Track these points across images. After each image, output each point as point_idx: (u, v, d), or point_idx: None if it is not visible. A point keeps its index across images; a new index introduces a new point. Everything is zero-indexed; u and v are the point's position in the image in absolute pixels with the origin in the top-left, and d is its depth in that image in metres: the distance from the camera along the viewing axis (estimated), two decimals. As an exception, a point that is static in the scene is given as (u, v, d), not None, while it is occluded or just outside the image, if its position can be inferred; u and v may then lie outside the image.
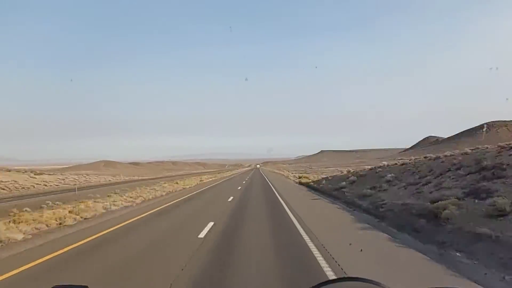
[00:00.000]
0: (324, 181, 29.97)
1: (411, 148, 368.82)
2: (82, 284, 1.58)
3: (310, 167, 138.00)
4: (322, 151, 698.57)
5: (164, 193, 25.06)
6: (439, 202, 9.75)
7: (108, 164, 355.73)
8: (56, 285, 1.51)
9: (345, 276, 3.92)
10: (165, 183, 37.30)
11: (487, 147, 15.83)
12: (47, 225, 10.63)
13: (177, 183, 37.25)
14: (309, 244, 7.75)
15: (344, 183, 23.52)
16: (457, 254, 6.71)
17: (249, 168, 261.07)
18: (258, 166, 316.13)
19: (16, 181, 46.18)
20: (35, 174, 58.46)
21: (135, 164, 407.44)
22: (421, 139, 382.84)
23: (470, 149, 16.84)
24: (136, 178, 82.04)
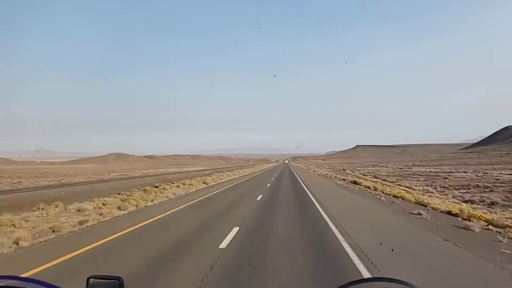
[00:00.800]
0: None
1: (483, 142, 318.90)
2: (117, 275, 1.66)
3: (351, 163, 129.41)
4: (357, 146, 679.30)
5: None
6: None
7: (119, 157, 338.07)
8: (91, 275, 1.64)
9: (381, 276, 3.74)
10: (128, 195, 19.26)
11: None
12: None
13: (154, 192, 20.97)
14: None
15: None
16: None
17: (276, 163, 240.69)
18: (286, 161, 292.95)
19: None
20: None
21: (150, 157, 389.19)
22: (497, 129, 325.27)
23: None
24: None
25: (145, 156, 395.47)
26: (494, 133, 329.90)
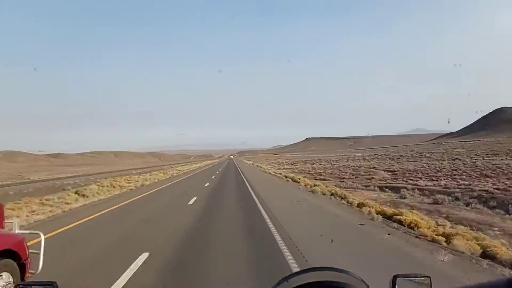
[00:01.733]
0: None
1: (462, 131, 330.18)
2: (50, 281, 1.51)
3: (307, 158, 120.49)
4: (308, 139, 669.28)
5: None
6: None
7: (7, 156, 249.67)
8: (21, 283, 1.64)
9: (315, 266, 2.91)
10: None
11: None
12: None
13: None
14: None
15: None
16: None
17: (219, 159, 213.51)
18: (231, 157, 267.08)
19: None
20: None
21: (54, 156, 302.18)
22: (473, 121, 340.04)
23: None
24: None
25: (49, 155, 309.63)
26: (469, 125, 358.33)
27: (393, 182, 32.55)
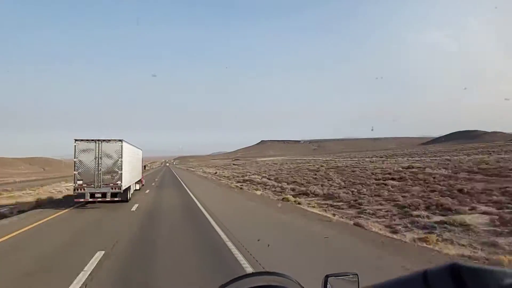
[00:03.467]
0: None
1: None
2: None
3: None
4: (262, 141, 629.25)
5: None
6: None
7: None
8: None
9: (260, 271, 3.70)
10: None
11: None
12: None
13: None
14: None
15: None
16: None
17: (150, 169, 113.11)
18: (167, 164, 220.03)
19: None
20: None
21: None
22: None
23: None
24: None
25: None
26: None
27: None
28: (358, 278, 1.43)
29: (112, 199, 16.13)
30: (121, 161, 16.32)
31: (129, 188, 18.64)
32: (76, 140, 15.97)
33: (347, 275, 1.45)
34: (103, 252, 7.65)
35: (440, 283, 0.69)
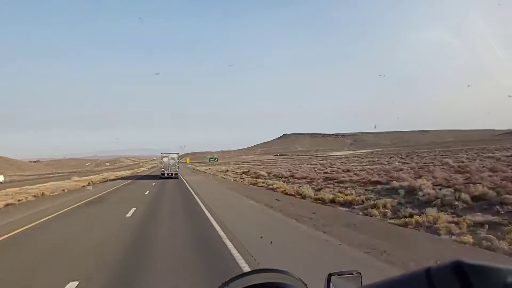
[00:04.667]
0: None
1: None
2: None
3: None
4: (285, 135, 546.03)
5: None
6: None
7: None
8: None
9: (262, 268, 2.26)
10: None
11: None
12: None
13: None
14: None
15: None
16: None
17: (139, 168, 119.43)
18: (175, 162, 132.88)
19: None
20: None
21: None
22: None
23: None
24: None
25: None
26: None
27: None
28: (361, 276, 1.46)
29: (172, 177, 41.62)
30: (177, 162, 42.14)
31: (178, 172, 44.21)
32: (162, 153, 42.25)
33: (350, 273, 1.47)
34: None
35: (444, 281, 0.66)
